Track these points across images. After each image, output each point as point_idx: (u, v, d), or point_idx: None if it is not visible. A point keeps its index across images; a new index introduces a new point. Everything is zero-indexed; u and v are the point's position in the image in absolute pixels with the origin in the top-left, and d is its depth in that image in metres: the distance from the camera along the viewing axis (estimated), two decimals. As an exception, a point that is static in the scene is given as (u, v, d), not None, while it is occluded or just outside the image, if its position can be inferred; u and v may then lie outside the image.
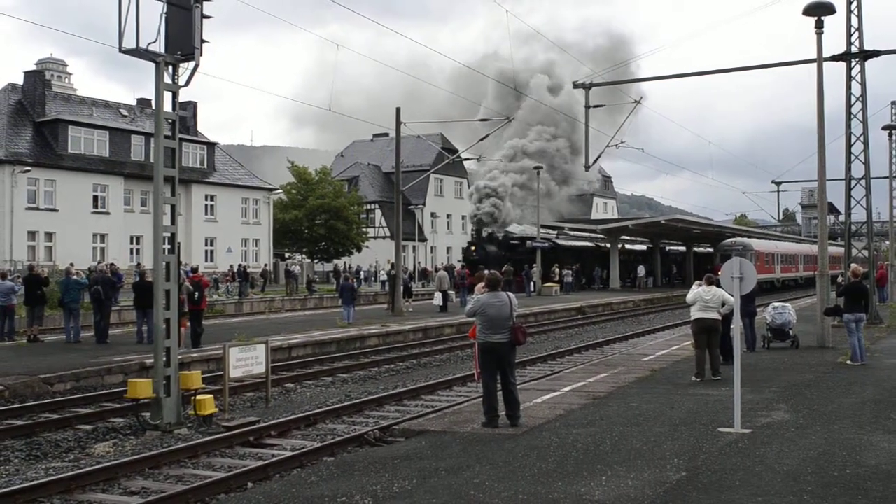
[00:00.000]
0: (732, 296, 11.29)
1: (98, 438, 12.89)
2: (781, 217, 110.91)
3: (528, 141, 61.03)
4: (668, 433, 10.58)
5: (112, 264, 33.78)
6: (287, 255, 66.05)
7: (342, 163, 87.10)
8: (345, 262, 63.72)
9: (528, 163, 57.46)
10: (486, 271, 12.10)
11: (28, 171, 48.30)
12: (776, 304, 20.84)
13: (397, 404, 15.58)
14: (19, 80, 54.37)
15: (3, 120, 51.14)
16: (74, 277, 23.18)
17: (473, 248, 55.12)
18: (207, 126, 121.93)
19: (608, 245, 61.56)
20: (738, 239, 63.55)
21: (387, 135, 72.25)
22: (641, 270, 62.36)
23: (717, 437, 10.29)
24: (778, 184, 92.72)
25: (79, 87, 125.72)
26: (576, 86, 29.73)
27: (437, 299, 35.36)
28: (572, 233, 66.39)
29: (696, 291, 15.45)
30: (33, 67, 69.81)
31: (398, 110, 35.35)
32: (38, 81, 54.59)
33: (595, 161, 32.63)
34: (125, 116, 58.09)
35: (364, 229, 65.88)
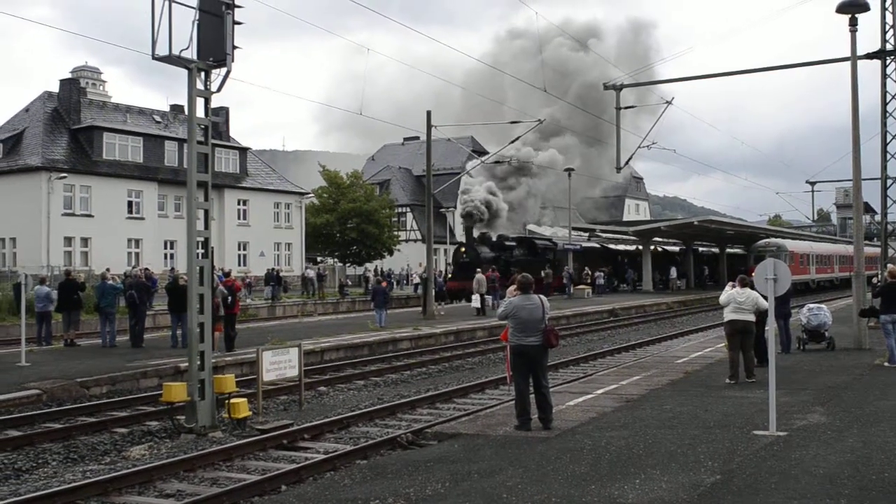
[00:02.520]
0: (766, 298, 11.18)
1: (134, 441, 13.03)
2: (816, 217, 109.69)
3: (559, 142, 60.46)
4: (702, 436, 10.50)
5: (146, 269, 34.10)
6: (319, 259, 66.28)
7: (373, 166, 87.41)
8: (376, 266, 63.84)
9: (547, 156, 56.19)
10: (518, 274, 12.06)
11: (64, 177, 48.90)
12: (811, 306, 20.62)
13: (430, 407, 15.60)
14: (55, 89, 55.09)
15: (40, 127, 51.85)
16: (110, 282, 23.41)
17: (463, 249, 51.44)
18: (241, 132, 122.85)
19: (640, 247, 61.23)
20: (772, 240, 63.01)
21: (417, 138, 72.45)
22: (673, 272, 61.97)
23: (752, 440, 10.20)
24: (812, 184, 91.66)
25: (113, 95, 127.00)
26: (606, 87, 29.60)
27: (476, 301, 35.34)
28: (604, 235, 66.13)
29: (730, 293, 15.32)
30: (68, 75, 70.69)
31: (429, 113, 35.40)
32: (74, 89, 55.28)
33: (626, 162, 32.45)
34: (159, 123, 58.66)
35: (395, 233, 65.96)
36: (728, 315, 15.25)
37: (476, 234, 53.10)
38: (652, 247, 61.51)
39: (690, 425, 11.25)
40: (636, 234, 60.26)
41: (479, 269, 39.43)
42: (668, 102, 30.66)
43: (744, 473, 8.66)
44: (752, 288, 13.97)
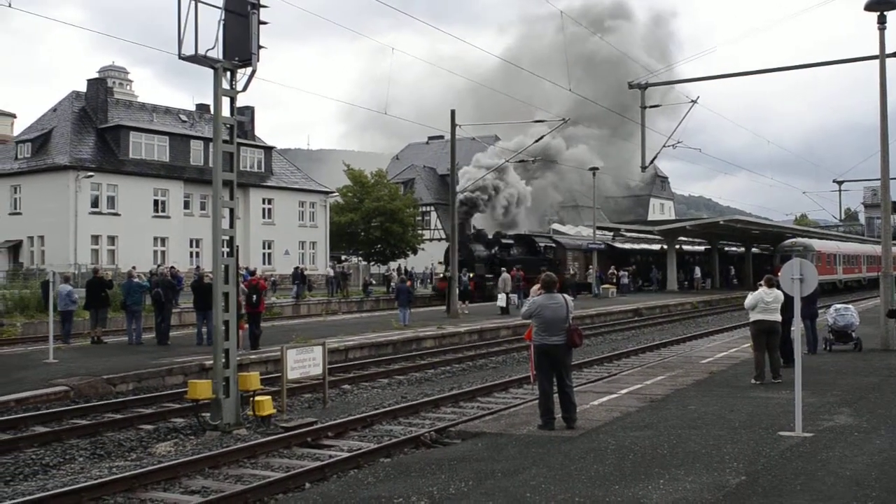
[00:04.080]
0: (792, 298, 11.09)
1: (159, 438, 13.12)
2: (843, 217, 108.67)
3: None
4: (727, 436, 10.44)
5: (172, 267, 34.33)
6: (343, 257, 66.45)
7: (398, 165, 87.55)
8: (399, 265, 63.92)
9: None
10: (544, 273, 12.03)
11: (91, 176, 49.37)
12: (838, 306, 20.44)
13: (453, 406, 15.61)
14: (83, 89, 55.57)
15: (68, 127, 52.38)
16: (136, 280, 23.60)
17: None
18: (268, 132, 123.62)
19: (664, 246, 60.91)
20: (799, 239, 62.52)
21: (442, 137, 72.46)
22: (698, 272, 61.66)
23: (777, 441, 10.13)
24: (839, 183, 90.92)
25: (140, 94, 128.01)
26: (631, 86, 29.46)
27: (501, 301, 35.33)
28: (629, 234, 65.88)
29: (757, 293, 15.20)
30: (96, 75, 71.27)
31: (453, 112, 35.40)
32: (101, 89, 55.79)
33: (651, 161, 32.28)
34: (185, 122, 59.06)
35: (419, 231, 66.02)
36: (754, 315, 15.14)
37: (472, 228, 50.95)
38: (677, 246, 61.20)
39: (715, 426, 11.18)
40: (661, 233, 59.99)
41: (503, 269, 39.36)
42: (694, 101, 30.46)
43: (769, 475, 8.61)
44: (779, 288, 13.87)
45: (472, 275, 42.42)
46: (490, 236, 51.33)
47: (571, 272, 50.12)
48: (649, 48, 64.34)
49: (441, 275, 49.23)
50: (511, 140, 57.51)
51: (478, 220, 54.34)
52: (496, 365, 22.30)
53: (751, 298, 15.26)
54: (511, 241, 51.46)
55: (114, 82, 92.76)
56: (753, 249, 69.05)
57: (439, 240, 74.74)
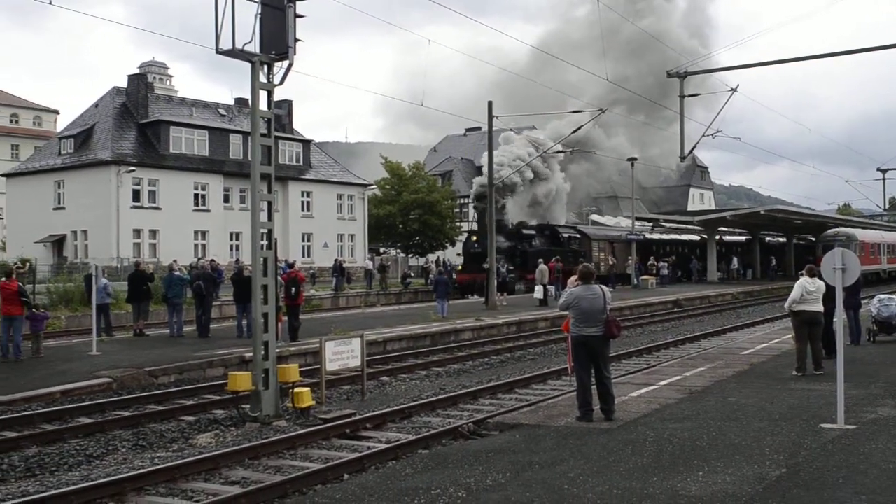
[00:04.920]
0: (834, 288, 10.94)
1: (200, 429, 13.27)
2: (887, 206, 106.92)
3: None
4: (767, 428, 10.34)
5: (212, 260, 34.59)
6: (382, 250, 66.67)
7: (435, 157, 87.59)
8: (438, 257, 63.99)
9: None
10: (582, 264, 11.99)
11: (132, 170, 49.94)
12: (882, 296, 20.13)
13: (491, 398, 15.61)
14: (124, 84, 56.21)
15: (109, 122, 53.01)
16: (177, 273, 23.82)
17: (475, 237, 46.23)
18: (307, 125, 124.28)
19: (705, 236, 60.34)
20: (842, 229, 61.68)
21: (479, 129, 72.29)
22: (735, 262, 61.04)
23: (819, 433, 10.01)
24: (883, 171, 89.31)
25: (180, 89, 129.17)
26: (670, 75, 29.22)
27: (538, 293, 35.25)
28: (668, 224, 65.34)
29: (800, 283, 14.99)
30: (136, 71, 72.05)
31: (490, 104, 35.32)
32: (141, 84, 56.36)
33: (691, 151, 32.01)
34: (224, 116, 59.51)
35: (457, 223, 66.02)
36: (797, 305, 14.95)
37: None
38: (718, 237, 60.63)
39: (755, 418, 11.08)
40: (701, 223, 59.45)
41: (541, 260, 39.16)
42: (733, 90, 30.13)
43: (810, 467, 8.51)
44: (821, 278, 13.68)
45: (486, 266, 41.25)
46: (512, 226, 49.43)
47: (598, 263, 48.03)
48: (687, 34, 63.43)
49: (459, 267, 48.06)
50: (545, 127, 56.84)
51: (512, 212, 53.17)
52: (534, 357, 22.26)
53: (793, 293, 15.02)
54: (533, 232, 49.50)
55: (154, 78, 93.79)
56: (795, 240, 68.23)
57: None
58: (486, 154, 51.45)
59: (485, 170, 47.17)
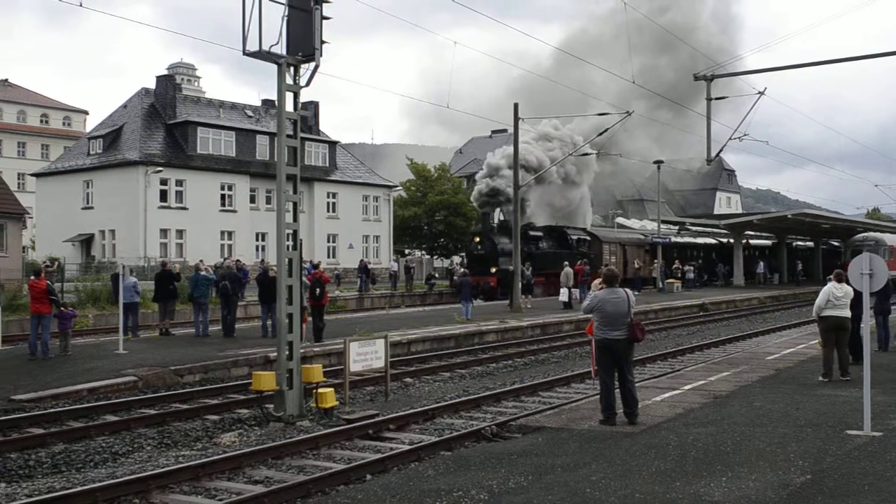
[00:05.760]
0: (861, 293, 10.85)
1: (224, 428, 13.34)
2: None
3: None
4: (792, 434, 10.27)
5: (238, 260, 34.78)
6: (406, 251, 66.77)
7: (461, 159, 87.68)
8: (462, 258, 63.97)
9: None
10: (604, 267, 11.97)
11: (160, 171, 50.36)
12: (911, 302, 19.93)
13: (515, 400, 15.59)
14: (153, 85, 56.67)
15: (138, 123, 53.49)
16: (203, 273, 23.96)
17: (478, 239, 44.97)
18: (333, 127, 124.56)
19: (731, 240, 59.95)
20: (870, 234, 61.03)
21: (505, 131, 72.18)
22: (762, 266, 60.60)
23: (844, 440, 9.93)
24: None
25: (208, 90, 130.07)
26: (696, 78, 29.07)
27: (563, 295, 35.16)
28: (695, 228, 64.99)
29: (827, 288, 14.86)
30: (165, 72, 72.65)
31: (516, 106, 35.28)
32: (170, 85, 56.83)
33: (717, 154, 31.83)
34: (250, 117, 59.85)
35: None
36: (824, 311, 14.82)
37: (497, 220, 47.24)
38: (744, 241, 60.25)
39: (780, 423, 11.00)
40: (727, 227, 59.10)
41: (566, 263, 39.01)
42: (761, 93, 29.93)
43: (836, 474, 8.44)
44: (849, 283, 13.57)
45: (494, 270, 39.79)
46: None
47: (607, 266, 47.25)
48: (715, 29, 63.00)
49: (462, 271, 47.41)
50: (565, 126, 56.35)
51: (537, 213, 52.46)
52: (558, 359, 22.21)
53: (819, 297, 14.91)
54: (540, 234, 47.65)
55: (182, 79, 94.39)
56: (823, 244, 67.66)
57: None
58: (489, 154, 51.22)
59: (486, 170, 46.64)
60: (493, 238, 44.36)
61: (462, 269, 38.03)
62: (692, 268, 53.89)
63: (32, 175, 62.26)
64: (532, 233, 46.85)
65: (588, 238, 50.71)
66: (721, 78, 30.35)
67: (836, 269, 16.64)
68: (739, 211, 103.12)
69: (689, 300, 40.78)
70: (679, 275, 51.70)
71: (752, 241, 64.86)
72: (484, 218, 46.99)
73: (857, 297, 13.57)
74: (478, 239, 44.94)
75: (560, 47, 48.04)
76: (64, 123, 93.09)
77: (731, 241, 60.47)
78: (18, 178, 77.38)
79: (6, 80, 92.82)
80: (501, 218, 47.06)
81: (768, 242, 67.72)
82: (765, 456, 9.20)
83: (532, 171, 46.21)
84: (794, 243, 69.75)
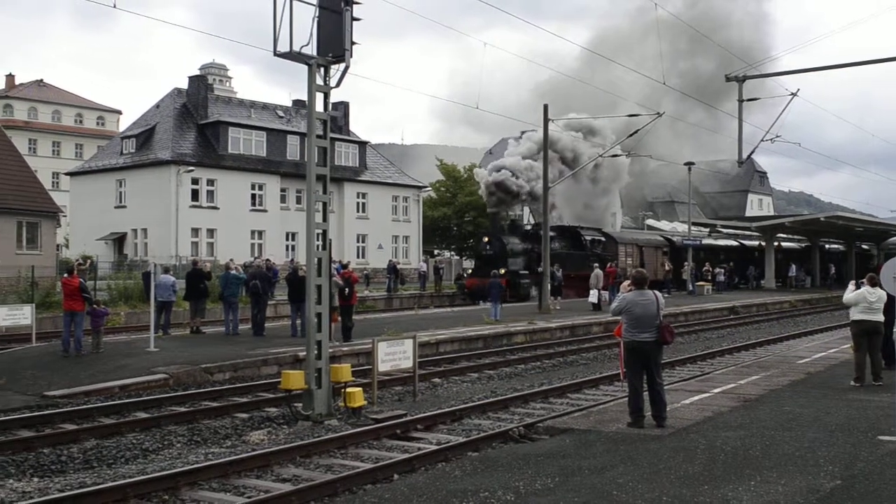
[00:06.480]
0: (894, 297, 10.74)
1: (253, 426, 13.43)
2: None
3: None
4: (823, 439, 10.18)
5: (268, 260, 34.99)
6: (436, 252, 66.84)
7: (491, 160, 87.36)
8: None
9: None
10: (635, 269, 11.93)
11: (192, 170, 50.78)
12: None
13: (543, 402, 15.57)
14: (185, 85, 57.16)
15: (170, 122, 53.98)
16: (233, 272, 24.11)
17: (487, 239, 43.44)
18: (365, 127, 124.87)
19: (762, 243, 59.40)
20: (905, 237, 60.37)
21: (535, 131, 72.14)
22: (793, 269, 60.03)
23: (876, 446, 9.83)
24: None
25: (240, 91, 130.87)
26: (728, 79, 28.84)
27: (593, 297, 35.03)
28: (725, 230, 64.49)
29: (860, 292, 14.70)
30: (197, 72, 73.23)
31: (545, 107, 35.26)
32: (201, 85, 57.30)
33: (748, 156, 31.57)
34: (281, 117, 60.20)
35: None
36: (857, 315, 14.65)
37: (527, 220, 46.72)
38: (776, 244, 59.71)
39: (810, 428, 10.91)
40: (759, 229, 58.62)
41: (596, 264, 38.83)
42: (793, 94, 29.64)
43: (866, 480, 8.36)
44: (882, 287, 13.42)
45: (503, 271, 38.51)
46: (528, 227, 46.59)
47: (625, 269, 44.15)
48: (746, 31, 62.49)
49: (469, 271, 45.59)
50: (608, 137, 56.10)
51: (565, 216, 51.85)
52: (587, 361, 22.14)
53: (851, 295, 14.76)
54: (553, 234, 43.01)
55: (214, 79, 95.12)
56: (857, 247, 66.93)
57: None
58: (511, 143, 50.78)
59: (492, 170, 45.82)
60: (503, 238, 43.33)
61: (493, 271, 37.81)
62: (723, 270, 53.44)
63: (66, 174, 63.01)
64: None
65: (602, 239, 49.38)
66: (753, 79, 30.10)
67: (870, 272, 16.47)
68: (771, 213, 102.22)
69: (719, 303, 40.49)
70: (709, 277, 51.31)
71: (783, 244, 64.26)
72: (493, 218, 45.72)
73: (890, 301, 13.43)
74: (486, 238, 43.72)
75: (588, 47, 47.82)
76: (98, 123, 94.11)
77: (762, 243, 59.94)
78: (53, 177, 78.28)
79: (41, 80, 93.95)
80: (512, 218, 45.98)
81: (800, 245, 67.07)
82: (794, 460, 9.13)
83: (566, 161, 45.71)
84: (827, 246, 69.03)
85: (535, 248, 43.78)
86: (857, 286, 14.78)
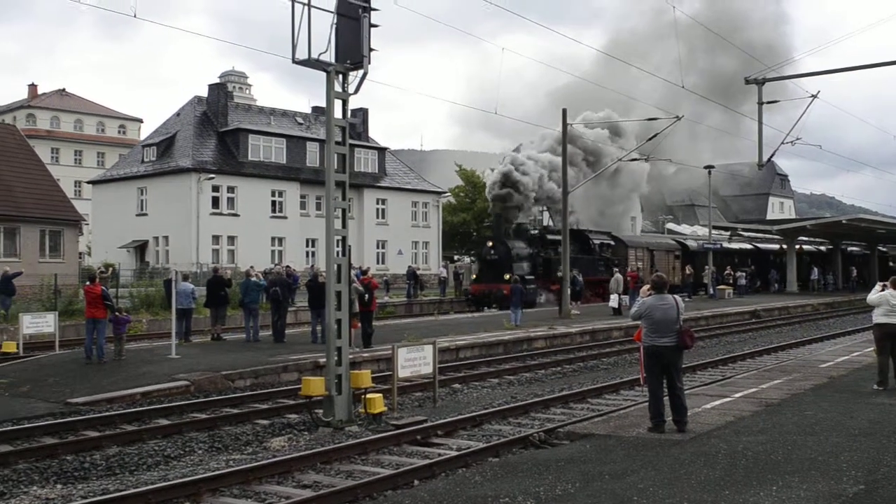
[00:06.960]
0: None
1: (274, 433, 13.48)
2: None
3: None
4: (845, 444, 10.10)
5: (288, 266, 35.12)
6: (456, 257, 66.83)
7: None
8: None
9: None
10: (655, 273, 11.89)
11: (212, 178, 51.07)
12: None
13: (563, 407, 15.53)
14: (205, 93, 57.51)
15: (190, 130, 54.32)
16: (254, 279, 24.22)
17: (491, 244, 42.15)
18: (383, 134, 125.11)
19: (783, 246, 59.03)
20: (929, 239, 59.84)
21: (554, 130, 72.04)
22: (815, 272, 59.63)
23: (899, 450, 9.75)
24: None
25: (259, 98, 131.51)
26: (748, 81, 28.65)
27: (613, 301, 34.93)
28: (746, 234, 64.17)
29: (883, 294, 14.60)
30: (217, 80, 73.65)
31: (564, 112, 35.22)
32: (221, 93, 57.62)
33: (769, 159, 31.38)
34: (300, 124, 60.44)
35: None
36: (879, 318, 14.54)
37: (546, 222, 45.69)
38: (798, 247, 59.36)
39: (833, 432, 10.83)
40: (780, 232, 58.29)
41: (616, 269, 38.68)
42: (814, 96, 29.44)
43: (890, 484, 8.29)
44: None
45: (507, 277, 37.85)
46: (535, 231, 45.64)
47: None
48: (765, 32, 62.10)
49: (474, 276, 44.72)
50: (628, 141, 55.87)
51: (582, 221, 51.66)
52: (607, 366, 22.08)
53: (874, 296, 14.65)
54: (559, 238, 43.35)
55: (234, 87, 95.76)
56: (879, 250, 66.40)
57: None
58: (505, 157, 50.69)
59: (497, 172, 45.46)
60: (508, 242, 42.14)
61: (514, 276, 37.77)
62: (744, 274, 53.16)
63: (88, 182, 63.55)
64: (550, 237, 44.31)
65: (612, 243, 48.31)
66: (773, 81, 29.92)
67: (893, 275, 16.34)
68: (793, 216, 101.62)
69: (740, 307, 40.28)
70: (731, 281, 51.06)
71: (805, 247, 63.86)
72: (497, 222, 44.01)
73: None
74: (490, 243, 42.39)
75: (605, 50, 47.63)
76: (119, 132, 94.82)
77: (783, 246, 59.58)
78: (75, 186, 78.92)
79: (64, 89, 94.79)
80: (519, 222, 44.94)
81: (822, 248, 66.63)
82: (816, 465, 9.07)
83: (588, 162, 45.55)
84: (849, 249, 68.53)
85: (540, 253, 43.22)
86: (884, 287, 14.66)
